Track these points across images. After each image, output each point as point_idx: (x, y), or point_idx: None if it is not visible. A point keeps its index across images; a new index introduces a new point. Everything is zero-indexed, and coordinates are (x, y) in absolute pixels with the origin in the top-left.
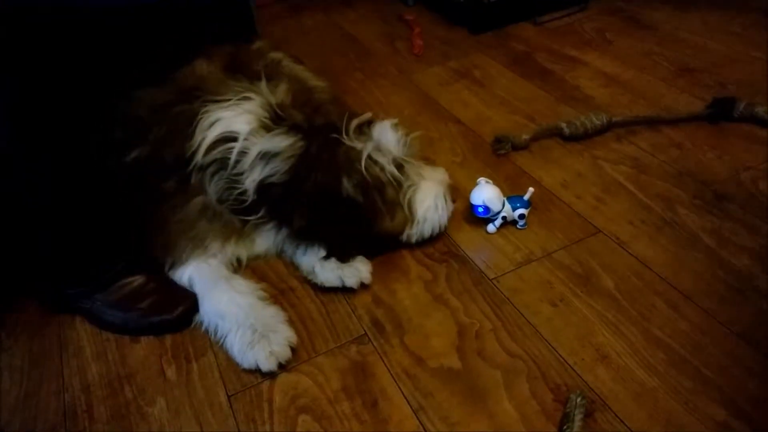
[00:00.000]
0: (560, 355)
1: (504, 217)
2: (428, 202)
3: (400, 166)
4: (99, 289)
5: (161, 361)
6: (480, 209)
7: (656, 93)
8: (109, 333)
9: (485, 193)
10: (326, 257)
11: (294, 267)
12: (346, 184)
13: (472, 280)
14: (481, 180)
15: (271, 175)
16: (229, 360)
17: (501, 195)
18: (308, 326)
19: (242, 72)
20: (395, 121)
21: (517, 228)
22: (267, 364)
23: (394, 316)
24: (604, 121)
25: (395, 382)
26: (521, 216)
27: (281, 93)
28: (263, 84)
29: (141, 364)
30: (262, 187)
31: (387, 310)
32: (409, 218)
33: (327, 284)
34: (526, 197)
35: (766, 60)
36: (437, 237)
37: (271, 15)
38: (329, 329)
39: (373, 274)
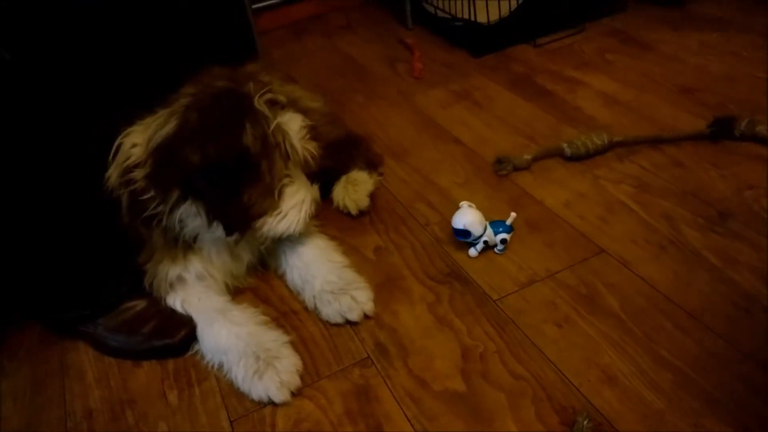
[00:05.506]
0: (566, 377)
1: (486, 242)
2: (296, 199)
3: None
4: (102, 313)
5: (163, 385)
6: (461, 233)
7: (657, 112)
8: (111, 357)
9: (466, 218)
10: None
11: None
12: (249, 129)
13: (476, 301)
14: (464, 204)
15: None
16: (232, 384)
17: (483, 219)
18: (311, 349)
19: None
20: (305, 119)
21: (495, 252)
22: (280, 396)
23: (398, 338)
24: (605, 140)
25: (399, 405)
26: (503, 241)
27: None
28: None
29: (143, 388)
30: (153, 155)
31: (390, 332)
32: (275, 205)
33: (331, 321)
34: (508, 222)
35: (767, 80)
36: (438, 258)
37: (275, 39)
38: (332, 352)
39: (376, 296)
